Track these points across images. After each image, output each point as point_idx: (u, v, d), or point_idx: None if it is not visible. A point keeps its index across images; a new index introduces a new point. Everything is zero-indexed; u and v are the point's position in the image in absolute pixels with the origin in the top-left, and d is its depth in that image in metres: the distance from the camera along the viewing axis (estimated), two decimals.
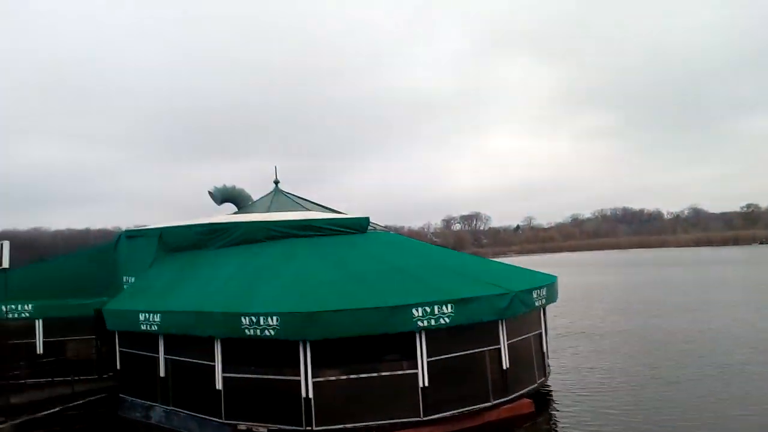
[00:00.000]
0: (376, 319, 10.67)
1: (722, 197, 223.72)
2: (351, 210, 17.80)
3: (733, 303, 28.07)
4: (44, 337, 16.26)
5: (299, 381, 10.88)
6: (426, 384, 10.95)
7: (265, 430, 11.16)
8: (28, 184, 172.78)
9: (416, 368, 10.97)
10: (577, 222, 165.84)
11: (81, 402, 14.54)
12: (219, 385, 11.69)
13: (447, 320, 10.88)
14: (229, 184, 19.13)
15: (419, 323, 10.75)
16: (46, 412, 14.02)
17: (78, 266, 17.31)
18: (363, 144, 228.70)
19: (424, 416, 10.90)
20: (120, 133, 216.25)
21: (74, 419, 13.98)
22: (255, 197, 19.68)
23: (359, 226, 15.47)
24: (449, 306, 10.89)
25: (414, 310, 10.73)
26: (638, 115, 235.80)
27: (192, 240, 15.31)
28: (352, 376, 10.97)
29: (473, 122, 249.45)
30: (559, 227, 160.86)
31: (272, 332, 10.83)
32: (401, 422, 10.81)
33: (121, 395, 14.36)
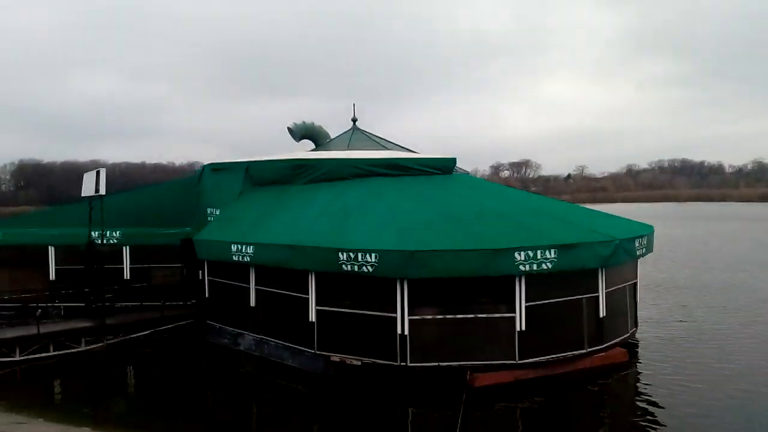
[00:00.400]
0: (479, 261, 10.54)
1: None
2: None
3: None
4: (131, 263, 16.94)
5: (395, 318, 10.95)
6: (523, 328, 10.86)
7: (359, 362, 11.35)
8: (84, 116, 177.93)
9: (514, 312, 10.88)
10: (632, 173, 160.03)
11: (170, 326, 15.22)
12: (312, 318, 11.91)
13: (549, 266, 10.66)
14: (308, 120, 18.90)
15: (521, 267, 10.58)
16: (137, 334, 14.76)
17: (162, 197, 17.74)
18: (412, 86, 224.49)
19: (519, 359, 10.87)
20: (172, 69, 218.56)
21: (165, 342, 14.65)
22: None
23: (445, 167, 15.12)
24: (552, 251, 10.65)
25: (516, 254, 10.54)
26: (706, 64, 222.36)
27: (278, 175, 15.35)
28: (448, 316, 10.97)
29: (529, 66, 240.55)
30: (613, 177, 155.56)
31: (370, 269, 10.86)
32: (496, 364, 10.82)
33: (208, 322, 14.87)
